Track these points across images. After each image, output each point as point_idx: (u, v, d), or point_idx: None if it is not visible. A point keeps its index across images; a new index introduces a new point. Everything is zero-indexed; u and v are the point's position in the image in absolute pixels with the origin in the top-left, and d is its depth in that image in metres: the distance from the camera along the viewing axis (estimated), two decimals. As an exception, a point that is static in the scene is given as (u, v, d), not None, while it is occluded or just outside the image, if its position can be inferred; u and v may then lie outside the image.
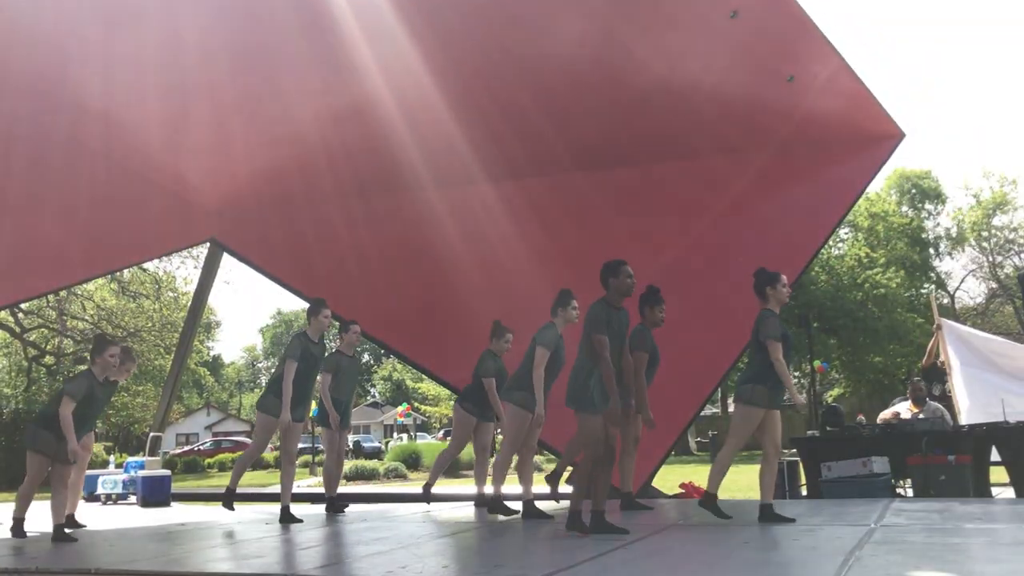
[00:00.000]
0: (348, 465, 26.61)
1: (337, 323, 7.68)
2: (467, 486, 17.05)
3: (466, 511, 7.50)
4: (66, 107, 8.05)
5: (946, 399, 9.30)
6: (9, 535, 6.20)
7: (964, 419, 9.01)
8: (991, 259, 39.19)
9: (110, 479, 10.19)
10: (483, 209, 9.01)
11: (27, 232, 8.78)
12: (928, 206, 40.61)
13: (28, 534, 6.31)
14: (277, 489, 7.49)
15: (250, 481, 25.59)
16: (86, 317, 28.58)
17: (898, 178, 39.93)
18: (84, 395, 6.11)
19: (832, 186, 8.47)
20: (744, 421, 5.41)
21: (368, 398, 63.91)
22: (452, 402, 40.50)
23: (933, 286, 37.55)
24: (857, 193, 8.91)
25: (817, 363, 27.76)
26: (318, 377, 6.92)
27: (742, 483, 14.18)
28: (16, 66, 7.56)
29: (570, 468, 6.55)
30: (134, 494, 9.91)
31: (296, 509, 7.11)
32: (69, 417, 6.01)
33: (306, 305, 7.27)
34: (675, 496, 7.99)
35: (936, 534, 4.61)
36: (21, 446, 26.43)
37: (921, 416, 8.20)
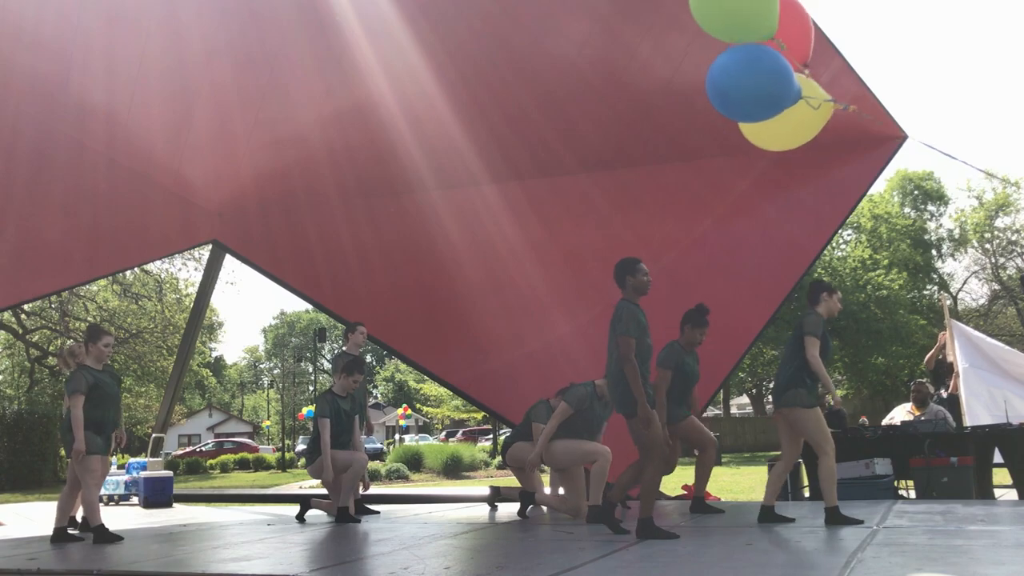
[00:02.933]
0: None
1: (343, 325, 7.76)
2: (468, 487, 17.05)
3: (467, 512, 7.50)
4: (69, 109, 8.06)
5: (953, 400, 9.31)
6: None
7: (969, 420, 9.01)
8: (994, 261, 39.14)
9: (112, 480, 10.21)
10: (486, 210, 9.01)
11: (30, 233, 8.79)
12: (931, 207, 40.58)
13: (35, 535, 6.30)
14: (278, 490, 7.47)
15: (252, 483, 25.62)
16: (89, 318, 28.61)
17: (900, 179, 39.90)
18: (90, 387, 5.99)
19: (835, 188, 8.46)
20: (813, 423, 5.30)
21: (370, 399, 63.98)
22: (453, 403, 40.35)
23: (938, 288, 37.51)
24: (860, 195, 8.90)
25: None
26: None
27: (743, 484, 14.19)
28: (19, 68, 7.58)
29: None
30: (136, 495, 9.93)
31: (296, 510, 7.13)
32: (79, 413, 5.89)
33: (308, 306, 7.30)
34: (677, 497, 7.98)
35: (939, 536, 4.60)
36: (24, 446, 26.59)
37: (923, 418, 8.20)
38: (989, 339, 10.41)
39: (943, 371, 9.79)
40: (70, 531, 6.23)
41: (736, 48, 4.54)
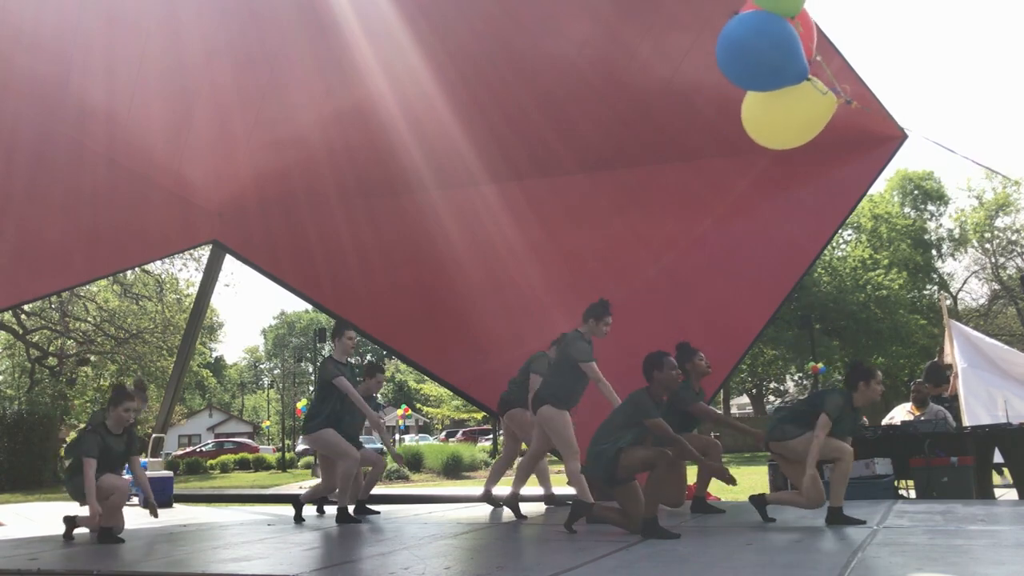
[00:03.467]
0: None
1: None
2: (468, 487, 17.04)
3: (467, 512, 7.50)
4: (69, 109, 8.06)
5: (954, 400, 9.31)
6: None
7: (968, 420, 9.01)
8: (994, 260, 39.15)
9: (112, 480, 10.20)
10: (485, 210, 9.01)
11: (30, 233, 8.79)
12: (931, 207, 40.59)
13: (35, 535, 6.31)
14: (279, 490, 7.49)
15: (252, 483, 25.61)
16: (89, 319, 28.63)
17: (901, 179, 39.92)
18: (100, 450, 5.91)
19: (834, 187, 8.46)
20: (815, 447, 5.27)
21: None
22: (453, 403, 40.35)
23: (938, 288, 37.52)
24: (860, 194, 8.90)
25: (810, 364, 27.77)
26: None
27: (743, 484, 14.17)
28: (19, 68, 7.58)
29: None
30: (136, 495, 9.92)
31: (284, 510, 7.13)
32: (91, 478, 5.75)
33: (308, 306, 7.34)
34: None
35: (939, 536, 4.60)
36: (24, 447, 26.56)
37: (923, 418, 8.20)
38: (988, 339, 10.41)
39: (934, 373, 9.80)
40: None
41: (752, 12, 4.56)
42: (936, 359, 10.22)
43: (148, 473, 10.00)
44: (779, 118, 4.77)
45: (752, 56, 4.47)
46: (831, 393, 5.41)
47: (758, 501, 5.64)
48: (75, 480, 5.96)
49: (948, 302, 12.45)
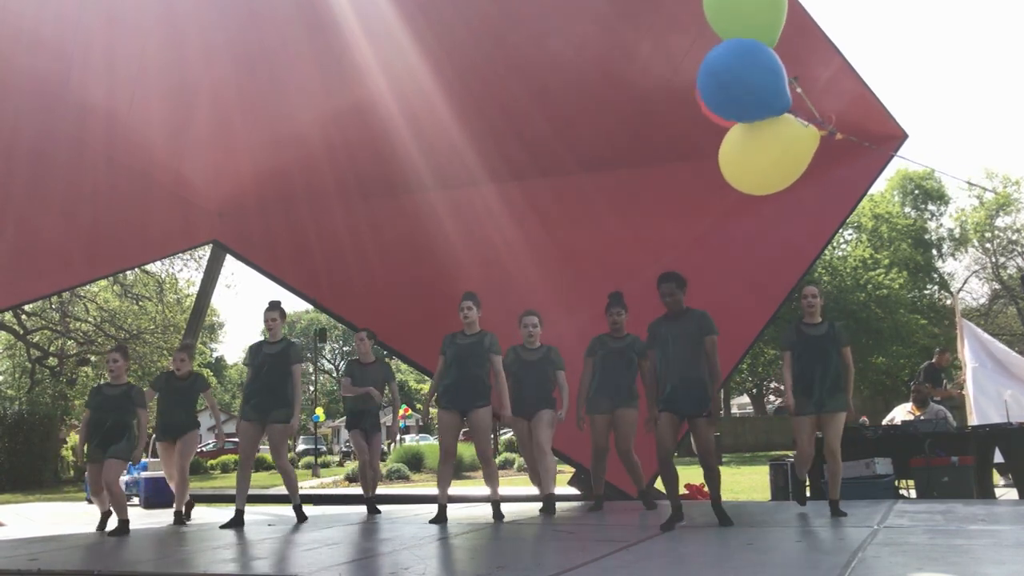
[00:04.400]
0: (349, 467, 26.61)
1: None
2: (468, 487, 17.02)
3: (467, 512, 7.50)
4: (69, 108, 8.06)
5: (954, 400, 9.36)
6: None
7: (978, 419, 9.05)
8: (994, 260, 39.12)
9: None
10: (485, 210, 9.00)
11: (30, 234, 8.78)
12: (931, 207, 40.56)
13: (36, 535, 6.33)
14: (278, 491, 7.54)
15: (252, 483, 25.60)
16: (89, 319, 28.61)
17: (901, 179, 39.87)
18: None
19: (835, 187, 8.45)
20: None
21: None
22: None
23: (938, 288, 37.50)
24: (860, 194, 8.89)
25: None
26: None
27: (743, 484, 14.19)
28: (19, 66, 7.57)
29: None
30: (137, 495, 9.93)
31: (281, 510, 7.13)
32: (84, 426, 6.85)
33: (308, 306, 7.41)
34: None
35: (939, 535, 4.60)
36: (25, 447, 26.65)
37: (923, 418, 8.21)
38: (999, 343, 10.50)
39: (932, 373, 9.84)
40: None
41: (736, 40, 4.49)
42: (934, 360, 10.25)
43: (148, 473, 10.03)
44: (761, 157, 4.66)
45: (736, 84, 4.45)
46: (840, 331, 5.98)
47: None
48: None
49: (956, 302, 12.52)
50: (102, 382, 6.98)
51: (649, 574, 3.86)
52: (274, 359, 6.82)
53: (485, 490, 7.07)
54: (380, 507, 7.72)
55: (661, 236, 8.75)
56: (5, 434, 25.97)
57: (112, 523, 6.68)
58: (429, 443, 33.86)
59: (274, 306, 6.94)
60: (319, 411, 36.11)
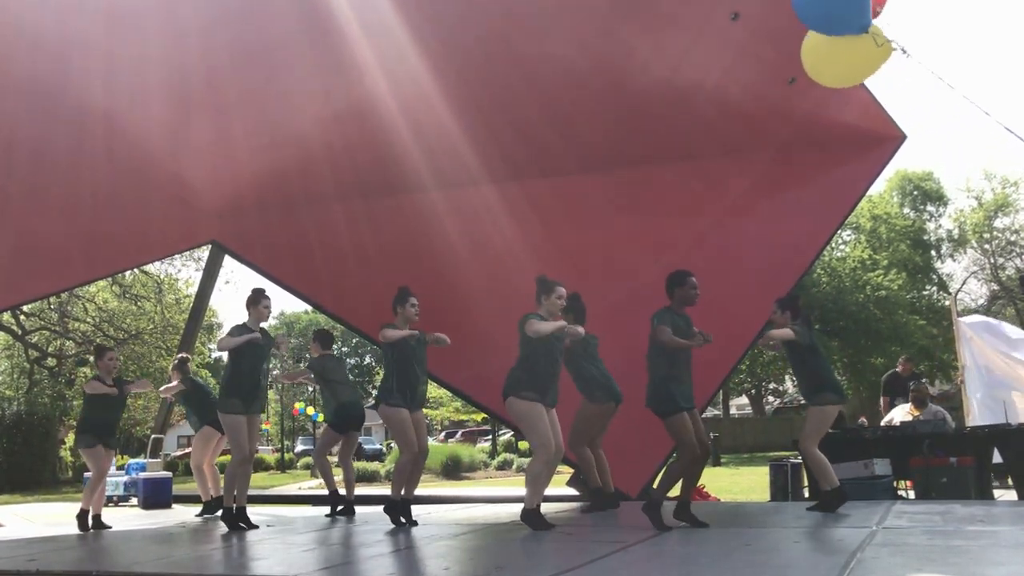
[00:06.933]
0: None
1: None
2: (468, 487, 17.03)
3: (467, 512, 7.50)
4: (68, 109, 8.05)
5: (951, 399, 9.41)
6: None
7: (979, 419, 9.07)
8: (993, 261, 39.15)
9: (112, 481, 10.19)
10: (485, 210, 9.00)
11: (29, 234, 8.77)
12: (930, 208, 40.59)
13: (35, 536, 6.33)
14: (278, 491, 7.52)
15: (251, 483, 25.58)
16: (88, 319, 28.58)
17: (900, 180, 39.90)
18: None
19: (834, 188, 8.47)
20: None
21: (369, 400, 63.90)
22: (453, 404, 40.27)
23: (938, 288, 37.52)
24: (859, 195, 8.92)
25: None
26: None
27: (743, 484, 14.20)
28: (18, 67, 7.56)
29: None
30: (135, 496, 9.93)
31: (296, 511, 7.12)
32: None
33: (307, 307, 7.40)
34: (677, 498, 7.95)
35: (938, 536, 4.60)
36: (23, 448, 26.63)
37: (922, 418, 8.21)
38: (1005, 326, 10.53)
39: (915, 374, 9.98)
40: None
41: None
42: (898, 368, 10.50)
43: (147, 474, 10.02)
44: (837, 59, 5.46)
45: (824, 4, 5.25)
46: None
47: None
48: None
49: (954, 303, 12.61)
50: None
51: (649, 574, 3.86)
52: (267, 350, 6.93)
53: (485, 490, 7.09)
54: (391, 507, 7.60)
55: (661, 236, 8.76)
56: (3, 435, 25.94)
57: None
58: (428, 443, 33.86)
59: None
60: (311, 410, 36.12)
